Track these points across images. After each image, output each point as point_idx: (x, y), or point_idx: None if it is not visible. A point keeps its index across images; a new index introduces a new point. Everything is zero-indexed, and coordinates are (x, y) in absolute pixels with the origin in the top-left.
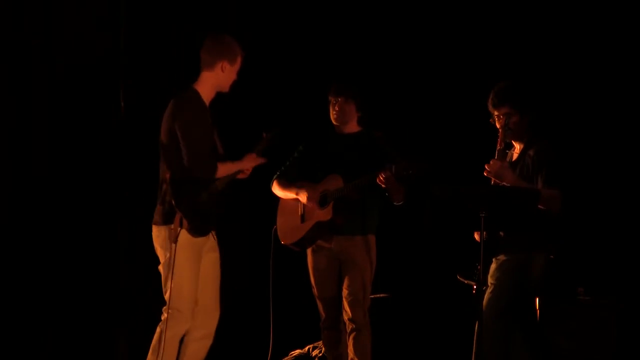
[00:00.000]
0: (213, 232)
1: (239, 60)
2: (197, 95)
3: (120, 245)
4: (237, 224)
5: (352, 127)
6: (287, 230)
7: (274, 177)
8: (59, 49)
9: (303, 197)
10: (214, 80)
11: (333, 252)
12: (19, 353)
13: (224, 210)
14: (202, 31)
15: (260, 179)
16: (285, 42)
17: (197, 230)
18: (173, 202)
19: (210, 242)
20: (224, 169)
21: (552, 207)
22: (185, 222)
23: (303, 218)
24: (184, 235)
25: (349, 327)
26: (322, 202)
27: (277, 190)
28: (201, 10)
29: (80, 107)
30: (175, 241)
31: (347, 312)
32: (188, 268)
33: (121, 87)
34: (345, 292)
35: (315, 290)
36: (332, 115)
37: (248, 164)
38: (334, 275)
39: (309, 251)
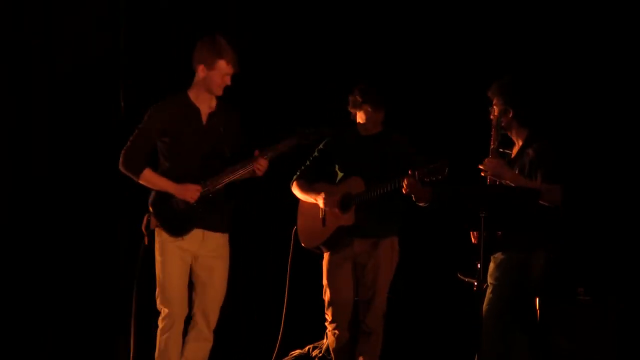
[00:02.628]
0: (223, 237)
1: (219, 65)
2: (182, 97)
3: (120, 245)
4: (249, 223)
5: (376, 128)
6: (308, 234)
7: (294, 177)
8: (59, 49)
9: (321, 202)
10: (199, 82)
11: (353, 254)
12: (19, 353)
13: (221, 212)
14: (202, 31)
15: (279, 177)
16: (286, 41)
17: (171, 230)
18: (149, 199)
19: (209, 247)
20: (158, 180)
21: (552, 199)
22: (154, 220)
23: (324, 222)
24: (162, 234)
25: (362, 330)
26: (345, 206)
27: (296, 191)
28: (201, 10)
29: (80, 107)
30: (146, 240)
31: (361, 315)
32: (169, 267)
33: (121, 87)
34: (365, 296)
35: (328, 293)
36: (368, 123)
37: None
38: (350, 278)
39: (326, 253)
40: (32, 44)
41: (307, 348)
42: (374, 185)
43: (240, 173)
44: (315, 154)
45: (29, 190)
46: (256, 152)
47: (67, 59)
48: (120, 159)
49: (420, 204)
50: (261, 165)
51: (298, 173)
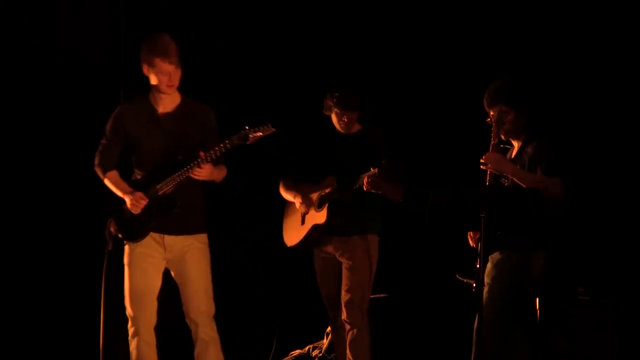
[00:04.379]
0: (188, 239)
1: (156, 62)
2: (142, 98)
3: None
4: (239, 224)
5: (354, 127)
6: (290, 233)
7: (280, 178)
8: (59, 49)
9: (297, 202)
10: (152, 83)
11: (332, 252)
12: (19, 353)
13: (171, 216)
14: (201, 31)
15: (271, 177)
16: (285, 40)
17: (126, 235)
18: None
19: (175, 251)
20: (117, 184)
21: (553, 192)
22: (114, 226)
23: (303, 220)
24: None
25: (346, 327)
26: (319, 205)
27: (281, 191)
28: (201, 10)
29: (80, 107)
30: (110, 245)
31: (343, 312)
32: (132, 272)
33: (121, 87)
34: (342, 292)
35: (321, 291)
36: (340, 125)
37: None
38: (335, 276)
39: (315, 252)
40: (32, 44)
41: (307, 348)
42: (342, 184)
43: (182, 177)
44: (299, 153)
45: (29, 190)
46: (201, 154)
47: (67, 59)
48: (94, 160)
49: (395, 201)
50: (202, 170)
51: (285, 173)
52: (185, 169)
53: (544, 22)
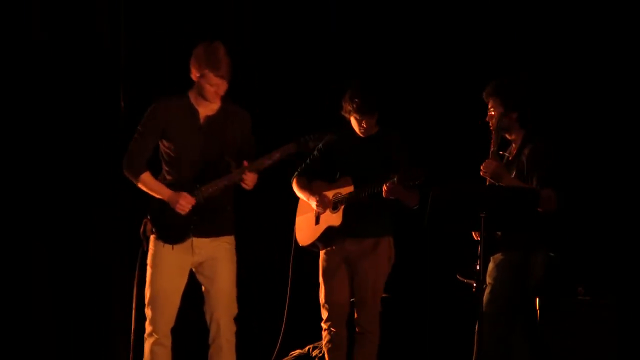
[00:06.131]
0: (214, 240)
1: (206, 74)
2: (182, 97)
3: (120, 246)
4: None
5: (372, 130)
6: (303, 232)
7: (294, 175)
8: (59, 48)
9: (313, 203)
10: (195, 85)
11: (345, 254)
12: (19, 353)
13: (216, 218)
14: (201, 31)
15: (282, 175)
16: (285, 40)
17: (165, 237)
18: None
19: (203, 253)
20: (155, 186)
21: (547, 207)
22: (150, 227)
23: (317, 220)
24: (157, 240)
25: (357, 330)
26: (335, 206)
27: (295, 189)
28: (201, 10)
29: (81, 107)
30: (145, 245)
31: (356, 315)
32: (159, 273)
33: (121, 87)
34: (355, 295)
35: (323, 292)
36: (359, 130)
37: (236, 177)
38: (343, 277)
39: (321, 252)
40: (32, 44)
41: (307, 348)
42: (360, 187)
43: (226, 184)
44: (315, 152)
45: (28, 190)
46: (245, 163)
47: (67, 58)
48: (123, 161)
49: (410, 207)
50: (248, 179)
51: (298, 170)
52: (231, 175)
53: (544, 24)
